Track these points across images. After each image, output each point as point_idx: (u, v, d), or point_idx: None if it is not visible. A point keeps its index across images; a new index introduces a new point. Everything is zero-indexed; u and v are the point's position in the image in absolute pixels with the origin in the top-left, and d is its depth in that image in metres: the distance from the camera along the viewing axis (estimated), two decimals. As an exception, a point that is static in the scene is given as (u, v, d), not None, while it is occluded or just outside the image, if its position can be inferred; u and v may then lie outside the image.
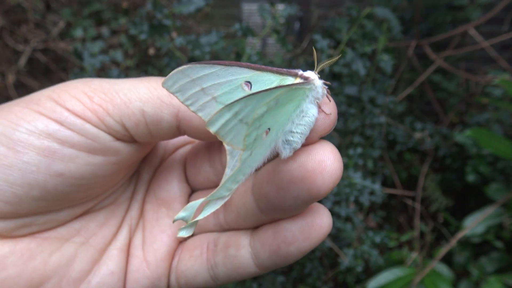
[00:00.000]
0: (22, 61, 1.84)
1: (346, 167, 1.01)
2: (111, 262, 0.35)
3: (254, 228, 0.34)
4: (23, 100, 0.31)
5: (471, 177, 1.32)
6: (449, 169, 1.52)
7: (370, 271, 1.28)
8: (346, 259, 1.06)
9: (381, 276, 1.07)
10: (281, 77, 0.29)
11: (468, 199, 1.56)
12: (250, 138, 0.25)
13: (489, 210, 1.12)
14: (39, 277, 0.31)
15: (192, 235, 0.38)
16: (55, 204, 0.31)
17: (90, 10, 1.79)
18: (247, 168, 0.28)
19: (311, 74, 0.28)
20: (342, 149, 1.22)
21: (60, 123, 0.29)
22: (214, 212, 0.35)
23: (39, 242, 0.31)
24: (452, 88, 1.61)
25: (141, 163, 0.39)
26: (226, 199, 0.30)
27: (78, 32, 1.68)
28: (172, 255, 0.37)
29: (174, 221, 0.32)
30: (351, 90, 1.14)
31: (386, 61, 1.08)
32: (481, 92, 1.58)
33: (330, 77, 1.16)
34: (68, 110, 0.30)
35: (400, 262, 1.21)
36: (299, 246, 0.31)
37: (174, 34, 1.02)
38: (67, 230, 0.33)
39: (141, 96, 0.31)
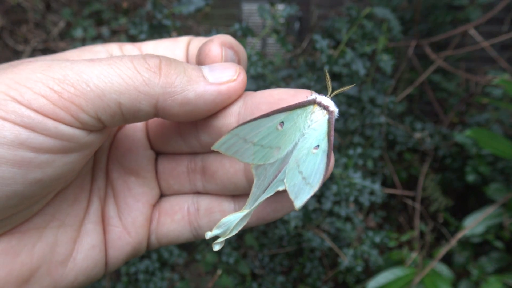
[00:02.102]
0: (22, 61, 1.83)
1: (346, 167, 1.01)
2: (90, 237, 0.35)
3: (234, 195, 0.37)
4: None
5: (471, 177, 1.32)
6: (449, 169, 1.52)
7: (370, 271, 1.28)
8: (346, 259, 1.06)
9: (381, 276, 1.07)
10: (304, 108, 0.32)
11: (468, 199, 1.56)
12: None
13: (489, 210, 1.12)
14: (28, 270, 0.31)
15: (162, 196, 0.39)
16: (31, 203, 0.30)
17: (90, 10, 1.79)
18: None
19: (330, 104, 0.31)
20: (342, 149, 1.22)
21: (31, 129, 0.26)
22: (189, 180, 0.38)
23: (19, 237, 0.31)
24: (452, 88, 1.61)
25: None
26: (251, 212, 0.33)
27: (78, 32, 1.68)
28: (150, 220, 0.38)
29: (208, 238, 0.33)
30: (351, 90, 1.14)
31: (386, 61, 1.08)
32: (481, 92, 1.58)
33: (330, 77, 1.16)
34: (37, 112, 0.26)
35: (400, 262, 1.21)
36: (285, 212, 0.35)
37: (174, 34, 1.02)
38: (42, 217, 0.33)
39: (115, 88, 0.28)
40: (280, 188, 0.32)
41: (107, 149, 0.38)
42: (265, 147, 0.32)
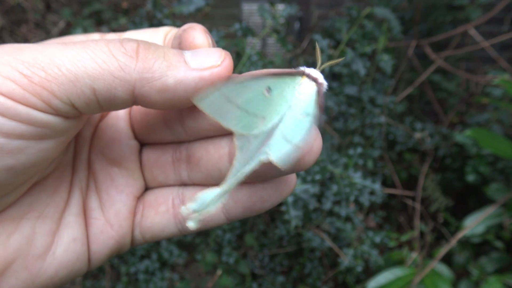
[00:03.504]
0: (22, 61, 1.83)
1: (346, 167, 1.01)
2: (71, 229, 0.33)
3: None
4: None
5: (471, 177, 1.32)
6: (449, 169, 1.52)
7: (370, 271, 1.28)
8: (346, 259, 1.06)
9: (381, 276, 1.07)
10: (293, 78, 0.30)
11: (468, 199, 1.56)
12: None
13: (489, 210, 1.12)
14: (2, 263, 0.29)
15: (147, 189, 0.38)
16: (4, 193, 0.29)
17: (90, 10, 1.79)
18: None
19: (319, 75, 0.30)
20: (342, 149, 1.22)
21: (1, 114, 0.25)
22: (174, 169, 0.36)
23: None
24: (452, 88, 1.61)
25: None
26: (232, 189, 0.30)
27: (78, 32, 1.68)
28: (133, 212, 0.36)
29: (184, 213, 0.30)
30: (351, 90, 1.14)
31: (386, 61, 1.08)
32: (481, 92, 1.58)
33: (330, 77, 1.16)
34: (5, 96, 0.25)
35: (400, 262, 1.21)
36: (273, 202, 0.33)
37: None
38: (18, 208, 0.31)
39: (89, 72, 0.26)
40: (263, 158, 0.29)
41: (89, 139, 0.36)
42: (250, 114, 0.30)
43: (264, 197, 0.33)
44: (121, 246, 0.36)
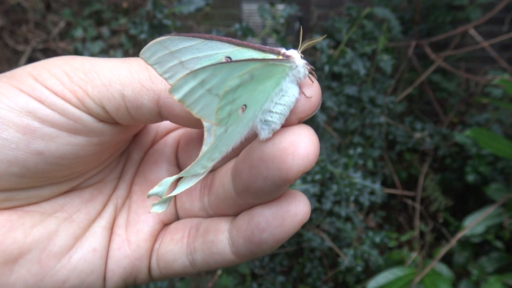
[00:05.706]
0: (22, 61, 1.84)
1: (346, 167, 1.01)
2: (94, 239, 0.34)
3: (236, 215, 0.34)
4: (6, 75, 0.30)
5: (471, 177, 1.32)
6: (449, 169, 1.52)
7: (370, 271, 1.28)
8: (346, 259, 1.06)
9: (381, 276, 1.07)
10: (263, 54, 0.28)
11: (468, 199, 1.56)
12: (223, 112, 0.24)
13: (489, 210, 1.12)
14: (18, 249, 0.31)
15: (178, 219, 0.38)
16: (36, 181, 0.31)
17: (90, 10, 1.79)
18: (223, 146, 0.28)
19: (293, 53, 0.28)
20: (342, 149, 1.22)
21: (41, 101, 0.29)
22: (199, 196, 0.36)
23: (21, 215, 0.31)
24: (452, 88, 1.61)
25: (131, 143, 0.39)
26: (201, 177, 0.30)
27: (78, 32, 1.68)
28: (156, 237, 0.36)
29: (148, 196, 0.31)
30: (351, 90, 1.14)
31: (386, 61, 1.09)
32: (481, 92, 1.58)
33: (330, 77, 1.16)
34: (47, 88, 0.29)
35: (400, 262, 1.21)
36: (273, 232, 0.30)
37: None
38: (50, 205, 0.33)
39: (121, 79, 0.30)
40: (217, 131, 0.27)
41: (137, 163, 0.39)
42: (212, 93, 0.27)
43: (261, 224, 0.30)
44: (137, 270, 0.35)
